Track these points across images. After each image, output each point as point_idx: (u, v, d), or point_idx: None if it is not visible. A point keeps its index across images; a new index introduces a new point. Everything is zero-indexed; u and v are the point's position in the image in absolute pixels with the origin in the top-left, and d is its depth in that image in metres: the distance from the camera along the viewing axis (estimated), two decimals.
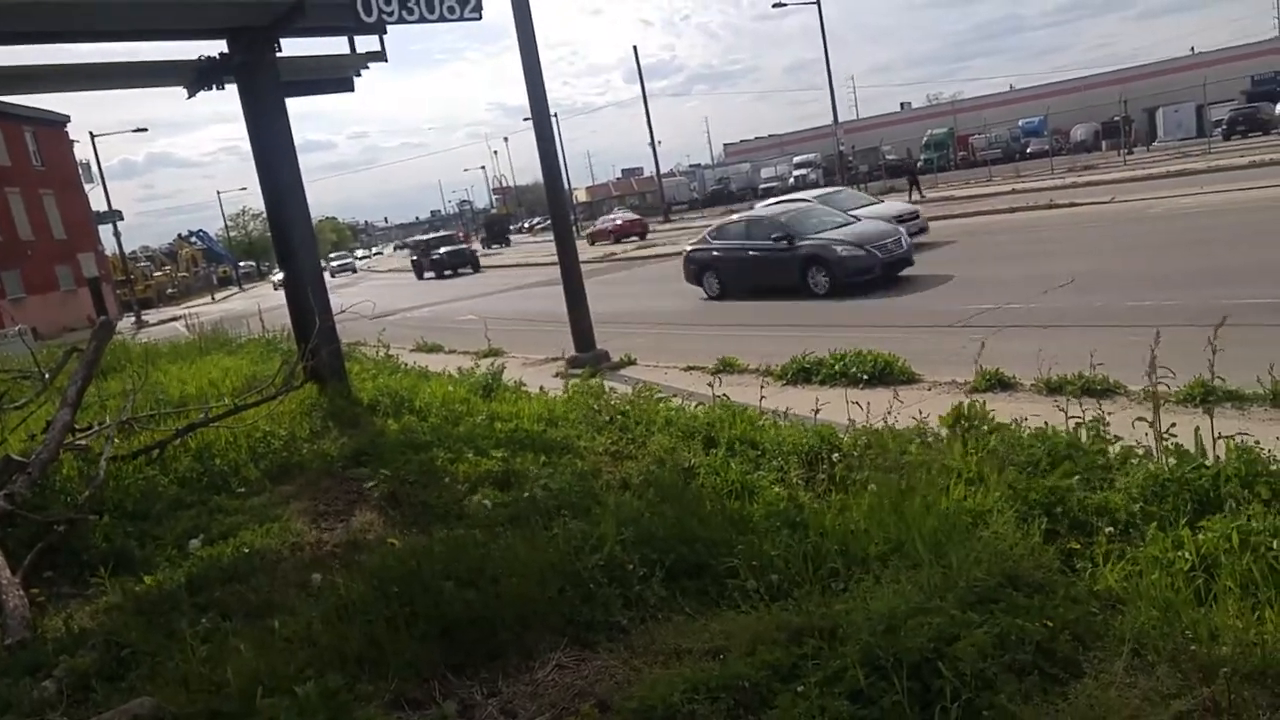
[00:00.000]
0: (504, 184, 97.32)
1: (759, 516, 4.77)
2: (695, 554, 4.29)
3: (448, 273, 41.44)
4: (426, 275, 42.65)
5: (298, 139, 10.38)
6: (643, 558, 4.17)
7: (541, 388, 9.61)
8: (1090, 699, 2.56)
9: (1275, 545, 3.24)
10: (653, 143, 55.70)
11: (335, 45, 11.20)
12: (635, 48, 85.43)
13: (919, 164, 42.74)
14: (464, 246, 45.17)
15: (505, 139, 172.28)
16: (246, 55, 9.74)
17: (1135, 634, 2.96)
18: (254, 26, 9.54)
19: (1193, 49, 65.04)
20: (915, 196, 35.26)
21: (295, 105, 10.87)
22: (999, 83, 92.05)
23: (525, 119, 13.00)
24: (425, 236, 50.55)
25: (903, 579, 3.49)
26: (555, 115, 49.13)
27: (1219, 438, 4.57)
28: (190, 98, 10.64)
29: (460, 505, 5.70)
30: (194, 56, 10.18)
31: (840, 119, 44.33)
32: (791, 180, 62.99)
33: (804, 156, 66.83)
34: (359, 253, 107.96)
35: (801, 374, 9.10)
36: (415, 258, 45.79)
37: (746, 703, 2.89)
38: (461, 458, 6.63)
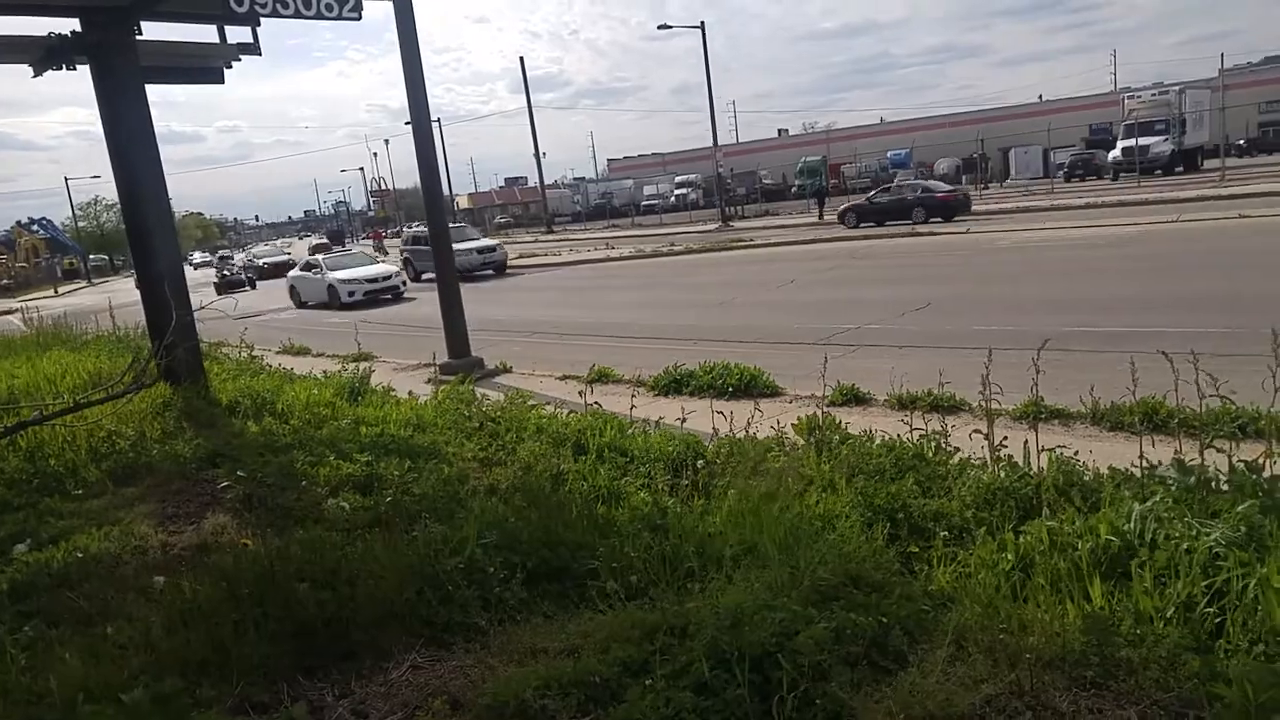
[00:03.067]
0: (383, 186, 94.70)
1: (623, 520, 4.86)
2: (558, 557, 4.33)
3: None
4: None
5: (159, 128, 9.86)
6: (504, 561, 4.18)
7: (411, 393, 9.45)
8: (912, 686, 2.75)
9: (1080, 545, 3.57)
10: (537, 154, 55.60)
11: (205, 34, 10.71)
12: (522, 59, 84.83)
13: (827, 187, 44.73)
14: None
15: (386, 141, 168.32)
16: (102, 35, 9.18)
17: (959, 628, 3.19)
18: (112, 5, 9.02)
19: (1040, 97, 70.35)
20: (819, 217, 36.60)
21: (156, 92, 10.33)
22: (871, 115, 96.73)
23: (407, 122, 12.73)
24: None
25: (753, 578, 3.64)
26: (438, 121, 47.35)
27: (1043, 450, 4.97)
28: (36, 76, 9.93)
29: (320, 508, 5.54)
30: (43, 33, 9.52)
31: (721, 142, 45.49)
32: (673, 199, 64.21)
33: (685, 176, 68.27)
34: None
35: (673, 385, 9.31)
36: None
37: (597, 697, 2.95)
38: (323, 461, 6.45)
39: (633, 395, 8.00)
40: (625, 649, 3.19)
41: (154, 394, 8.40)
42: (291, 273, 29.61)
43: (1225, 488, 4.06)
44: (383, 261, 28.46)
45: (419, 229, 34.15)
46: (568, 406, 8.13)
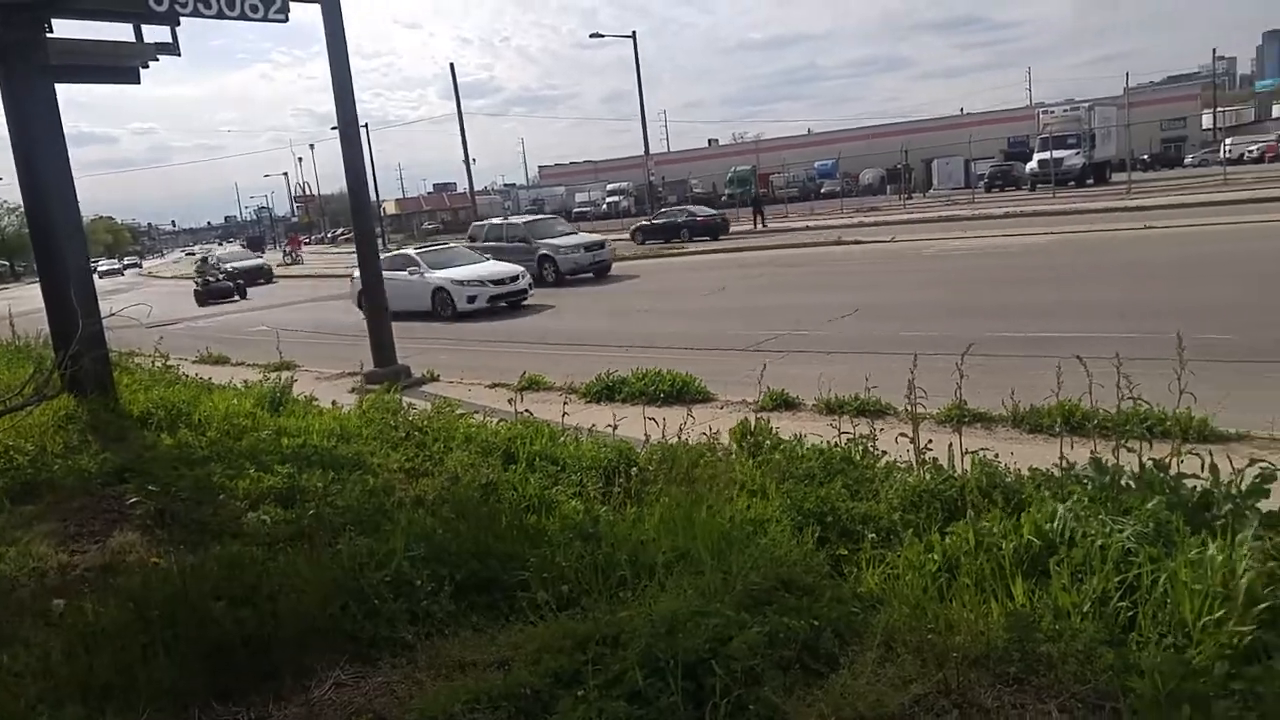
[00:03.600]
0: (307, 192, 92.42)
1: (555, 530, 4.80)
2: (488, 569, 4.25)
3: None
4: None
5: (69, 129, 9.44)
6: (432, 573, 4.09)
7: (335, 403, 9.20)
8: (844, 688, 2.77)
9: (1004, 545, 3.66)
10: (467, 160, 55.05)
11: (120, 32, 10.30)
12: (452, 65, 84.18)
13: (762, 196, 45.96)
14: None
15: (311, 146, 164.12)
16: (9, 33, 8.74)
17: (888, 629, 3.23)
18: (20, 2, 8.60)
19: (961, 110, 72.84)
20: (759, 225, 37.78)
21: (66, 91, 9.88)
22: (798, 126, 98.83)
23: (333, 127, 12.45)
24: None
25: (685, 584, 3.62)
26: (366, 126, 45.77)
27: (966, 453, 5.09)
28: None
29: (239, 523, 5.34)
30: None
31: (652, 151, 45.77)
32: (605, 206, 64.33)
33: (617, 184, 68.47)
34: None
35: (605, 392, 9.27)
36: None
37: (528, 710, 2.89)
38: (243, 474, 6.21)
39: (564, 402, 7.93)
40: (557, 660, 3.14)
41: (57, 406, 8.00)
42: (359, 273, 23.47)
43: (1135, 486, 4.21)
44: (490, 258, 21.63)
45: (495, 221, 27.26)
46: (497, 415, 8.02)
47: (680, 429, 6.23)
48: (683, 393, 8.80)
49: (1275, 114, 69.54)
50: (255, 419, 8.28)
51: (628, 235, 37.44)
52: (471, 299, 18.69)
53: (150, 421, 8.39)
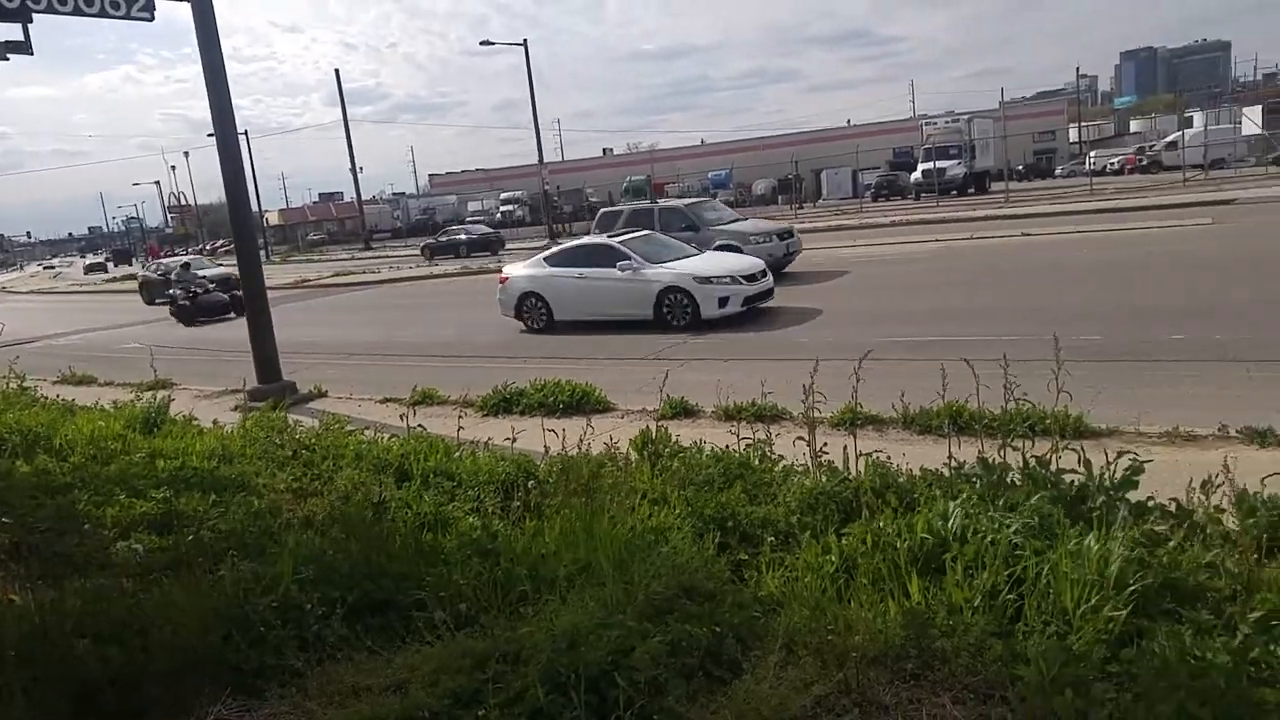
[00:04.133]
0: (183, 201, 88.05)
1: (451, 547, 4.68)
2: (381, 589, 4.11)
3: None
4: None
5: None
6: (323, 596, 3.92)
7: (216, 421, 8.75)
8: (747, 693, 2.78)
9: (899, 544, 3.75)
10: (354, 168, 53.61)
11: None
12: (337, 71, 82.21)
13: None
14: None
15: (186, 154, 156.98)
16: None
17: (789, 632, 3.26)
18: None
19: (849, 122, 75.47)
20: None
21: None
22: (692, 136, 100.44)
23: (209, 134, 11.87)
24: None
25: (587, 597, 3.57)
26: (245, 133, 43.56)
27: (860, 455, 5.21)
28: None
29: (107, 553, 4.98)
30: None
31: (546, 159, 45.62)
32: (499, 215, 63.75)
33: (510, 193, 67.91)
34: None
35: (503, 405, 9.12)
36: None
37: None
38: (112, 500, 5.82)
39: (460, 416, 7.74)
40: (455, 680, 3.04)
41: None
42: (519, 269, 16.55)
43: (1020, 482, 4.39)
44: (698, 247, 16.67)
45: (641, 206, 21.63)
46: (389, 430, 7.78)
47: (580, 440, 6.16)
48: (582, 403, 8.74)
49: (1133, 129, 74.72)
50: (126, 441, 7.79)
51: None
52: (723, 302, 13.76)
53: (4, 448, 7.79)
